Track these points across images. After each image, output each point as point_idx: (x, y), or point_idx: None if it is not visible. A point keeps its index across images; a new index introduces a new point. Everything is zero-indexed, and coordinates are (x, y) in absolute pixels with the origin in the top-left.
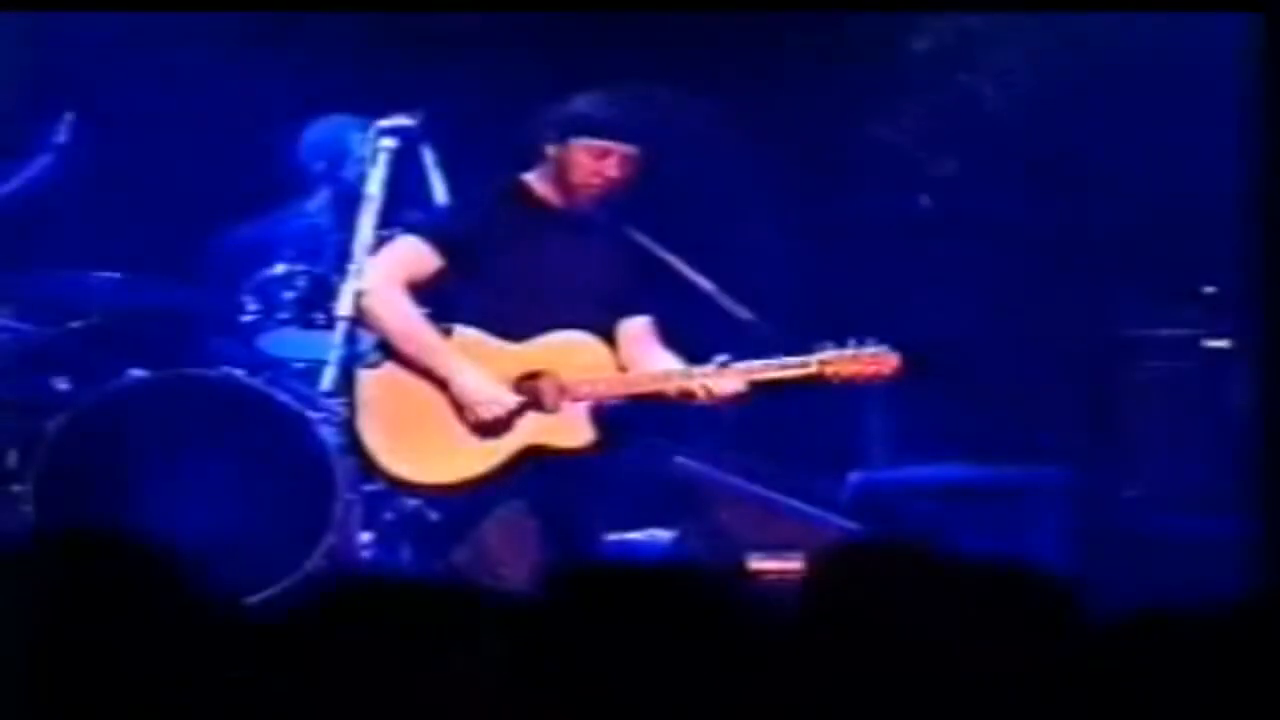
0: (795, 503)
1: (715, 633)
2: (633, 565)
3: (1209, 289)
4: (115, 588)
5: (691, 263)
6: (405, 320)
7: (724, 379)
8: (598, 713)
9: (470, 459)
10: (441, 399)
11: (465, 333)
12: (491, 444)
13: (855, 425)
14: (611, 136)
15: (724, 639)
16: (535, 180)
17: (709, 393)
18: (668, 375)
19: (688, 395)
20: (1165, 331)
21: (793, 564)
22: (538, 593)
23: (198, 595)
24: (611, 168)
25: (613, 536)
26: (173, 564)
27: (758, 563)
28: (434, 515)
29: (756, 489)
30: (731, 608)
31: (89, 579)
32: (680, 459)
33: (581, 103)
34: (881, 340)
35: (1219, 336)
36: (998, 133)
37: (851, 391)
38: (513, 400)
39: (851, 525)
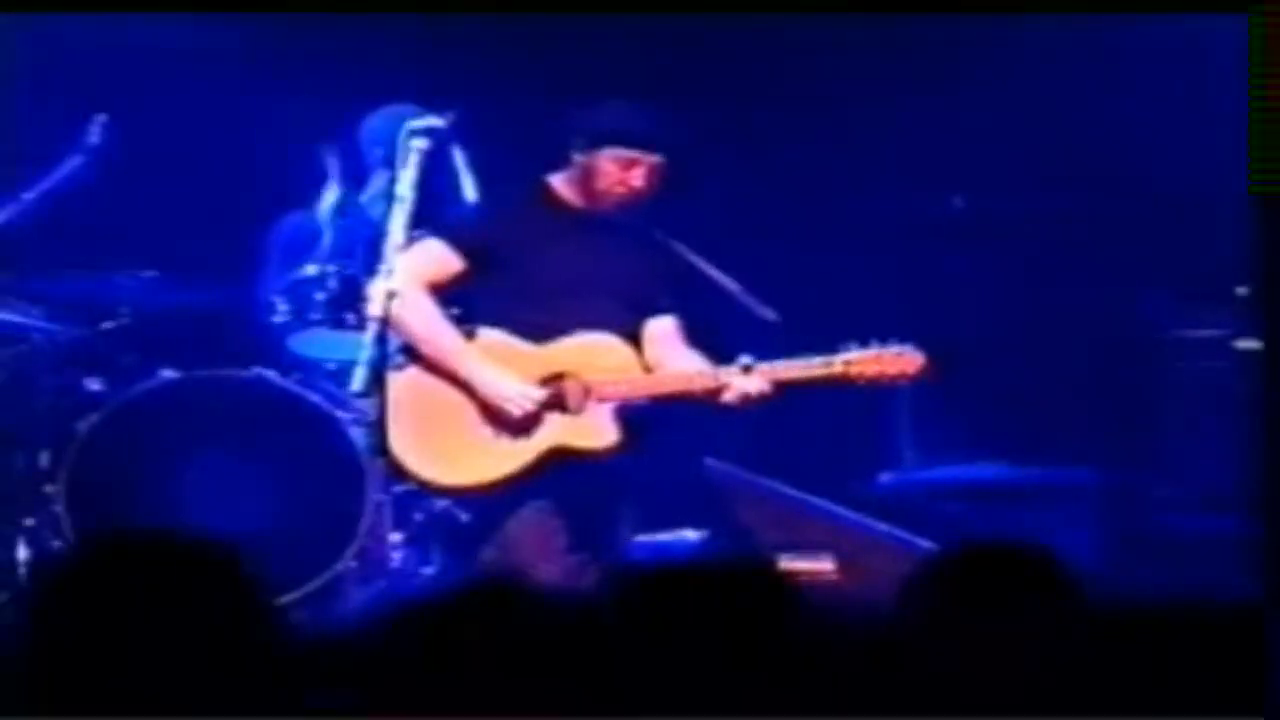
0: (825, 503)
1: (786, 632)
2: (695, 565)
3: (1241, 290)
4: (179, 594)
5: (716, 263)
6: (426, 323)
7: (748, 381)
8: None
9: (495, 460)
10: (465, 401)
11: (489, 334)
12: (516, 445)
13: (885, 426)
14: (639, 147)
15: (793, 638)
16: (560, 184)
17: (737, 395)
18: (691, 376)
19: (713, 395)
20: (1196, 333)
21: (823, 565)
22: (603, 596)
23: (260, 599)
24: (637, 178)
25: (641, 538)
26: (235, 568)
27: (788, 563)
28: (464, 516)
29: (785, 490)
30: (793, 607)
31: (159, 585)
32: (709, 460)
33: (611, 112)
34: (911, 342)
35: (1250, 337)
36: (1025, 134)
37: (881, 392)
38: (539, 392)
39: (881, 526)
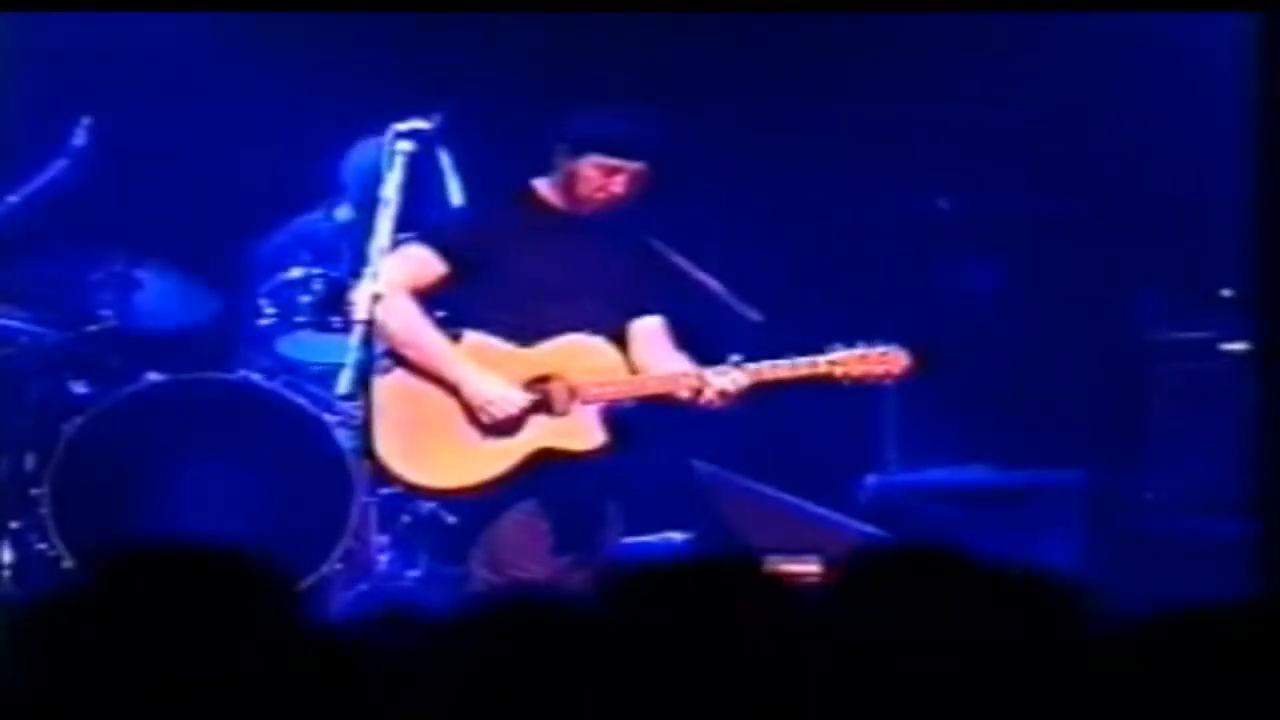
0: (811, 506)
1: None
2: (685, 563)
3: (1227, 292)
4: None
5: (702, 264)
6: (408, 326)
7: (722, 378)
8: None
9: (481, 463)
10: (450, 403)
11: (474, 337)
12: (502, 447)
13: (872, 428)
14: (622, 155)
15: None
16: (545, 187)
17: (715, 393)
18: (676, 376)
19: (698, 396)
20: (1183, 334)
21: (809, 567)
22: (597, 597)
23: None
24: (619, 184)
25: (628, 539)
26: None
27: (774, 566)
28: (451, 518)
29: (772, 492)
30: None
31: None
32: (696, 461)
33: (594, 120)
34: (900, 343)
35: (1237, 339)
36: (1015, 133)
37: (869, 394)
38: (522, 397)
39: (868, 528)
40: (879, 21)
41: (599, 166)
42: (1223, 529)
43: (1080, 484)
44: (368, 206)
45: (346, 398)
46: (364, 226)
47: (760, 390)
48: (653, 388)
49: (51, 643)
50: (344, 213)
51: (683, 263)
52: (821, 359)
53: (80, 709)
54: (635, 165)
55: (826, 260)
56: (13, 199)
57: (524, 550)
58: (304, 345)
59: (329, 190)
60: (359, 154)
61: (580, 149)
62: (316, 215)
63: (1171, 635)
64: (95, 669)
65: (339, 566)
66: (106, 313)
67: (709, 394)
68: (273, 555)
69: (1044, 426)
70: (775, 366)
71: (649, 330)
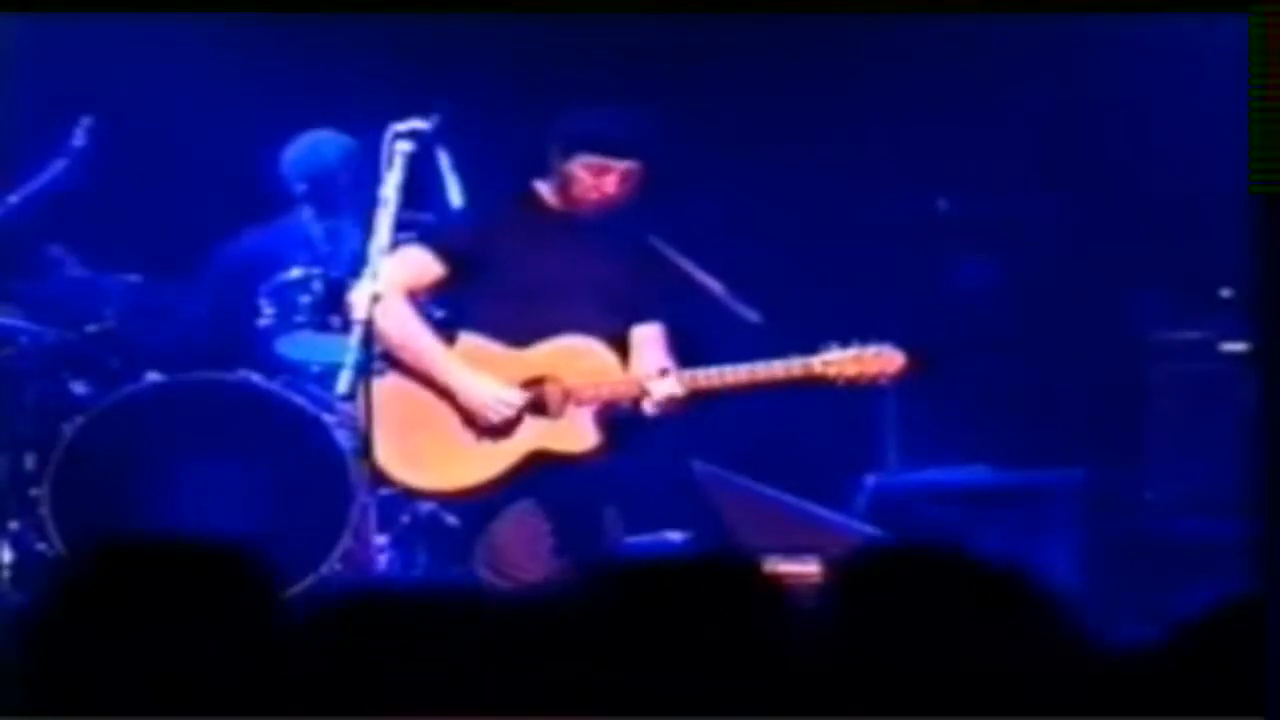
0: (811, 506)
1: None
2: (669, 560)
3: (1227, 292)
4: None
5: (702, 265)
6: (404, 329)
7: (663, 384)
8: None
9: (476, 464)
10: (445, 405)
11: (469, 339)
12: (497, 449)
13: (872, 428)
14: (611, 154)
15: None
16: (545, 189)
17: (655, 403)
18: (663, 377)
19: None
20: (1183, 335)
21: (809, 567)
22: (576, 592)
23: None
24: (610, 184)
25: (626, 540)
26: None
27: (773, 566)
28: (450, 519)
29: (771, 492)
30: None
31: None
32: (695, 462)
33: (582, 120)
34: (901, 344)
35: (1236, 340)
36: (1013, 134)
37: (868, 394)
38: (517, 398)
39: (868, 528)
40: (880, 23)
41: (588, 166)
42: (1223, 529)
43: (1080, 484)
44: (321, 203)
45: (346, 398)
46: (324, 224)
47: (758, 391)
48: (620, 391)
49: (45, 636)
50: (303, 216)
51: (683, 264)
52: (816, 360)
53: (72, 701)
54: (625, 164)
55: (827, 261)
56: (13, 199)
57: (526, 551)
58: (304, 345)
59: (294, 205)
60: (294, 152)
61: (569, 149)
62: (308, 214)
63: (1171, 639)
64: (89, 661)
65: (338, 566)
66: (106, 312)
67: (647, 405)
68: (255, 551)
69: (1044, 426)
70: (770, 368)
71: (647, 337)
